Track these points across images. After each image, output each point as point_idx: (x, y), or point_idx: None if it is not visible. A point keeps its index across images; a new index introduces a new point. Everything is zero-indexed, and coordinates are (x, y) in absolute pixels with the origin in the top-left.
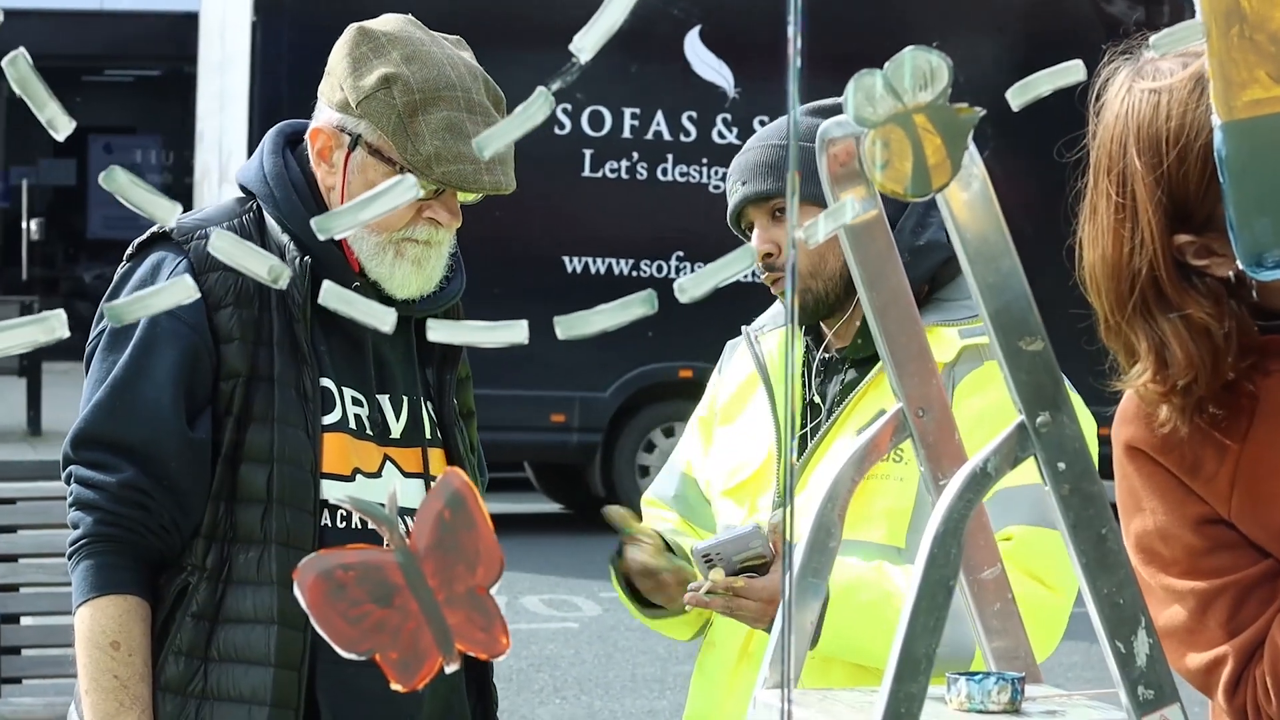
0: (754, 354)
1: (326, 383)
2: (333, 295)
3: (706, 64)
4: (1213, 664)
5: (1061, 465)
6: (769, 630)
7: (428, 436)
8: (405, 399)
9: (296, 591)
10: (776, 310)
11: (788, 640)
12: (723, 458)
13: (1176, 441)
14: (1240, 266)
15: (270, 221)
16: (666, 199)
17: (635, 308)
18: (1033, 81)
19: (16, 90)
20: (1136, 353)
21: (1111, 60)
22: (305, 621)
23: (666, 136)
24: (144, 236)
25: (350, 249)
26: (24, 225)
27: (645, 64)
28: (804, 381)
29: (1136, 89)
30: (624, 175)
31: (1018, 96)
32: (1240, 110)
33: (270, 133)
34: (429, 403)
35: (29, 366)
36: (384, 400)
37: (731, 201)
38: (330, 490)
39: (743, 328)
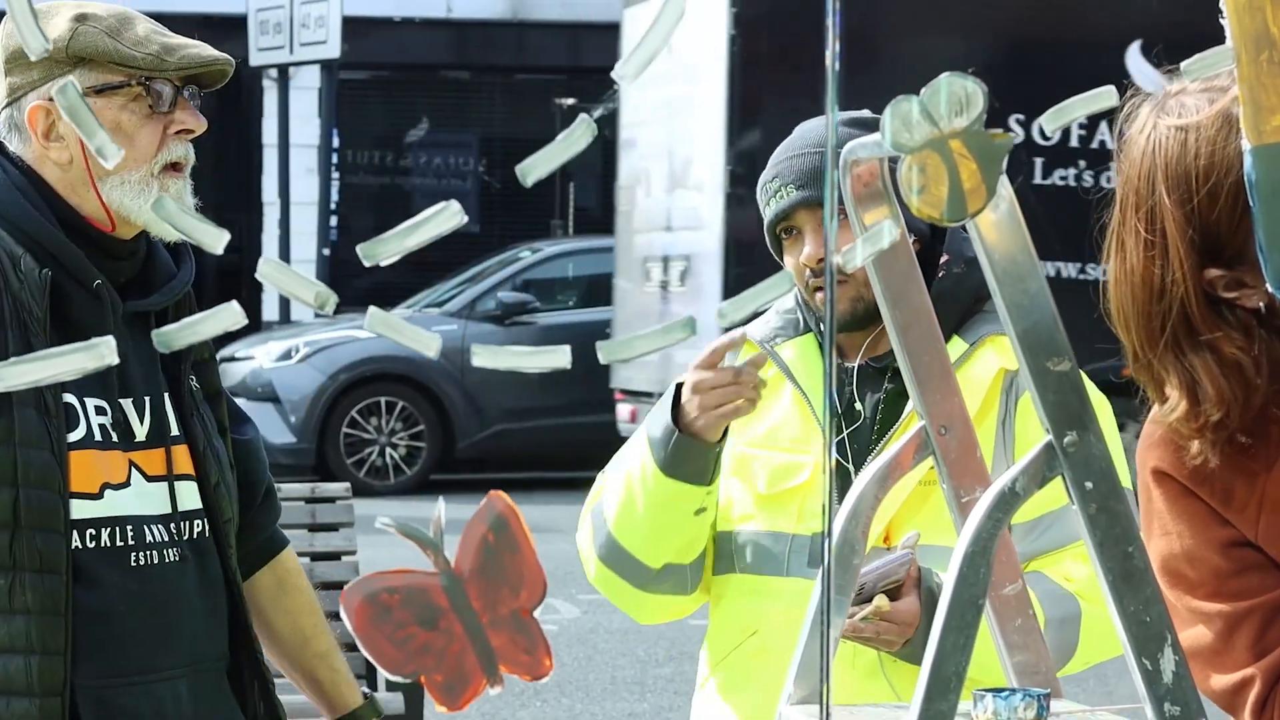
0: (776, 362)
1: (69, 398)
2: (379, 321)
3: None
4: (1240, 685)
5: (1089, 484)
6: (897, 654)
7: (174, 434)
8: (147, 399)
9: (343, 614)
10: (779, 322)
11: (826, 655)
12: (758, 463)
13: (1208, 473)
14: (1270, 290)
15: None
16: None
17: (676, 332)
18: (1067, 107)
19: (66, 119)
20: (1167, 388)
21: (1134, 95)
22: (65, 646)
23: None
24: None
25: (108, 209)
26: None
27: None
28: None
29: (1162, 125)
30: (1071, 183)
31: (1051, 121)
32: (1270, 134)
33: None
34: (169, 395)
35: None
36: (127, 404)
37: (778, 205)
38: (78, 509)
39: (749, 335)
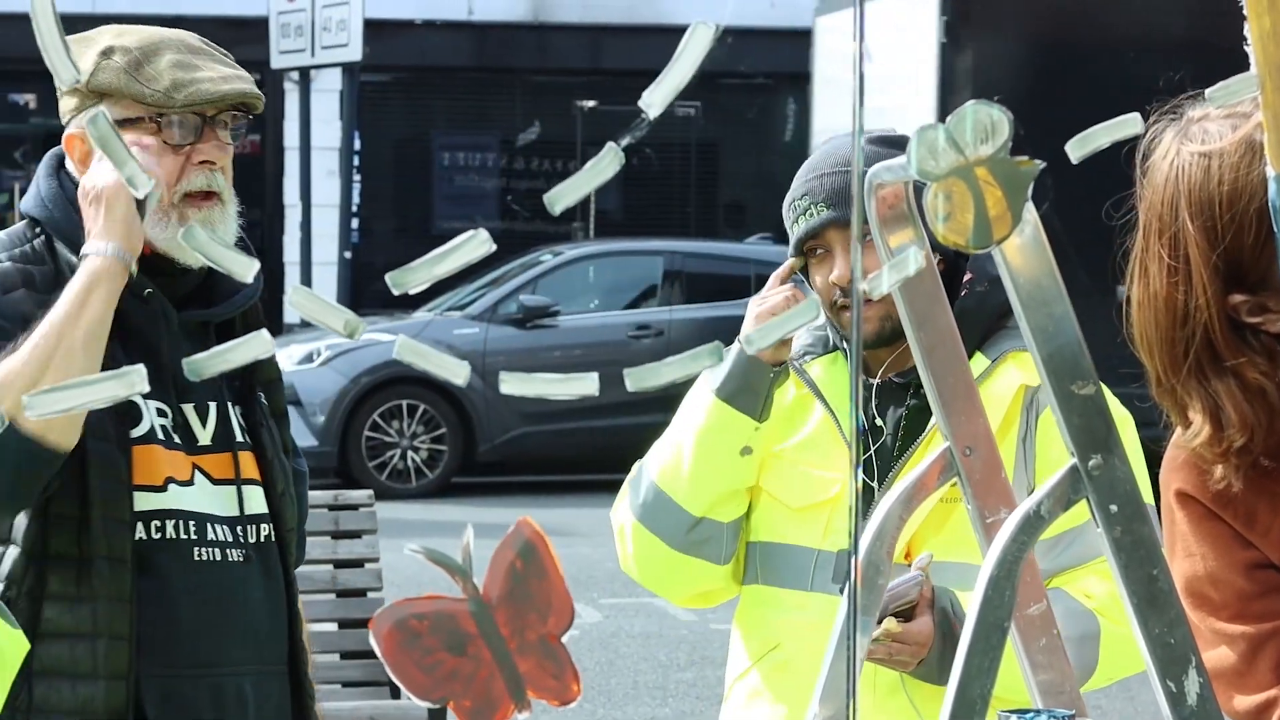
0: (805, 380)
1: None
2: (407, 349)
3: None
4: (1263, 706)
5: (1113, 508)
6: (913, 674)
7: (238, 440)
8: (211, 405)
9: (372, 641)
10: (808, 339)
11: (852, 676)
12: (788, 477)
13: (1231, 496)
14: None
15: (59, 245)
16: None
17: (703, 359)
18: (1091, 134)
19: (97, 149)
20: (1190, 413)
21: (1157, 120)
22: (130, 632)
23: None
24: None
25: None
26: None
27: None
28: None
29: (1185, 152)
30: None
31: (1077, 149)
32: None
33: (45, 157)
34: (236, 406)
35: None
36: (188, 409)
37: (807, 224)
38: (142, 501)
39: None
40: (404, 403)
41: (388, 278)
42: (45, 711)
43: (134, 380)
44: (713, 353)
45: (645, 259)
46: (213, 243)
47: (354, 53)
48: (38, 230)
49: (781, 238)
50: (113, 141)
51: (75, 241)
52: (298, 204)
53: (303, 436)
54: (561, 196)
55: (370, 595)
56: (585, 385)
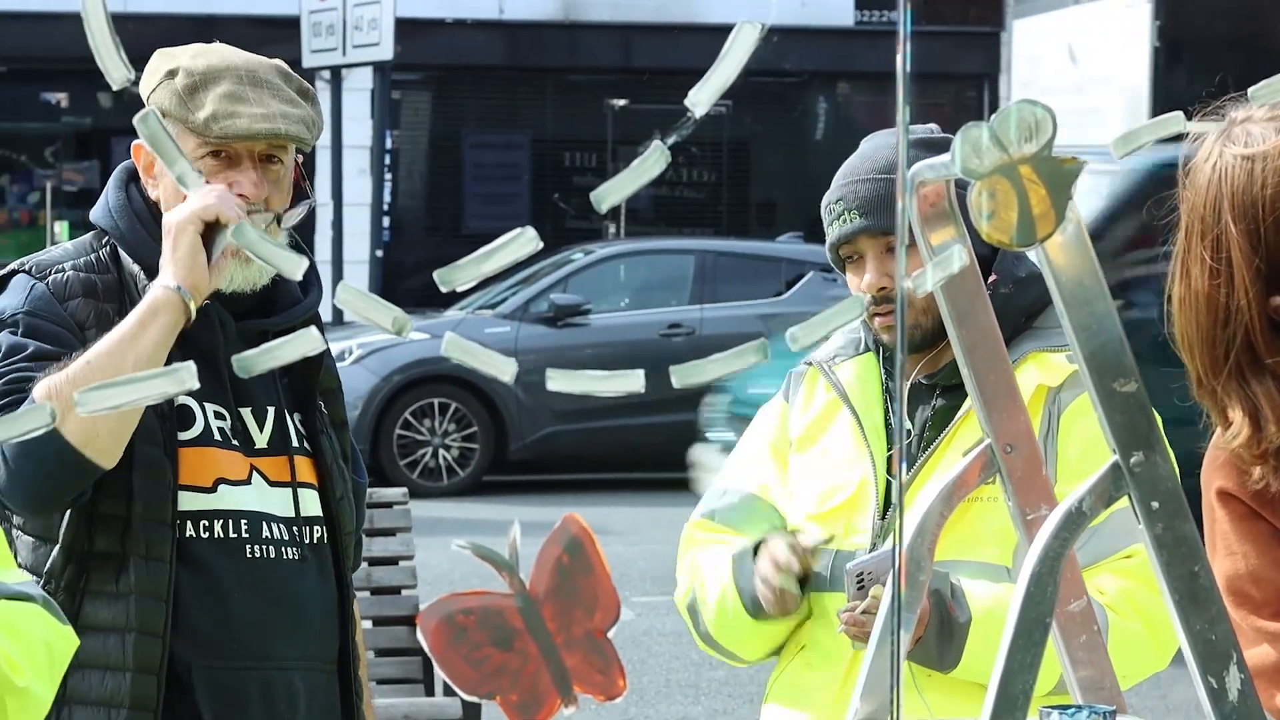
0: (832, 383)
1: (185, 400)
2: (455, 347)
3: None
4: None
5: (1155, 504)
6: (911, 657)
7: (295, 445)
8: (269, 410)
9: (419, 636)
10: (841, 341)
11: (896, 671)
12: (809, 483)
13: (1271, 496)
14: None
15: (123, 254)
16: None
17: (749, 355)
18: (1135, 132)
19: (147, 147)
20: (1230, 413)
21: (1200, 122)
22: (165, 629)
23: None
24: (3, 272)
25: None
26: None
27: None
28: (885, 407)
29: (1228, 154)
30: None
31: (1120, 147)
32: None
33: (117, 169)
34: (295, 414)
35: None
36: (246, 413)
37: (841, 229)
38: (190, 501)
39: (810, 358)
40: (435, 401)
41: (435, 275)
42: (75, 701)
43: (184, 377)
44: (757, 350)
45: (676, 258)
46: (262, 241)
47: (385, 52)
48: (105, 240)
49: (812, 236)
50: (162, 140)
51: (138, 253)
52: (329, 202)
53: None
54: (608, 194)
55: (404, 593)
56: (631, 382)
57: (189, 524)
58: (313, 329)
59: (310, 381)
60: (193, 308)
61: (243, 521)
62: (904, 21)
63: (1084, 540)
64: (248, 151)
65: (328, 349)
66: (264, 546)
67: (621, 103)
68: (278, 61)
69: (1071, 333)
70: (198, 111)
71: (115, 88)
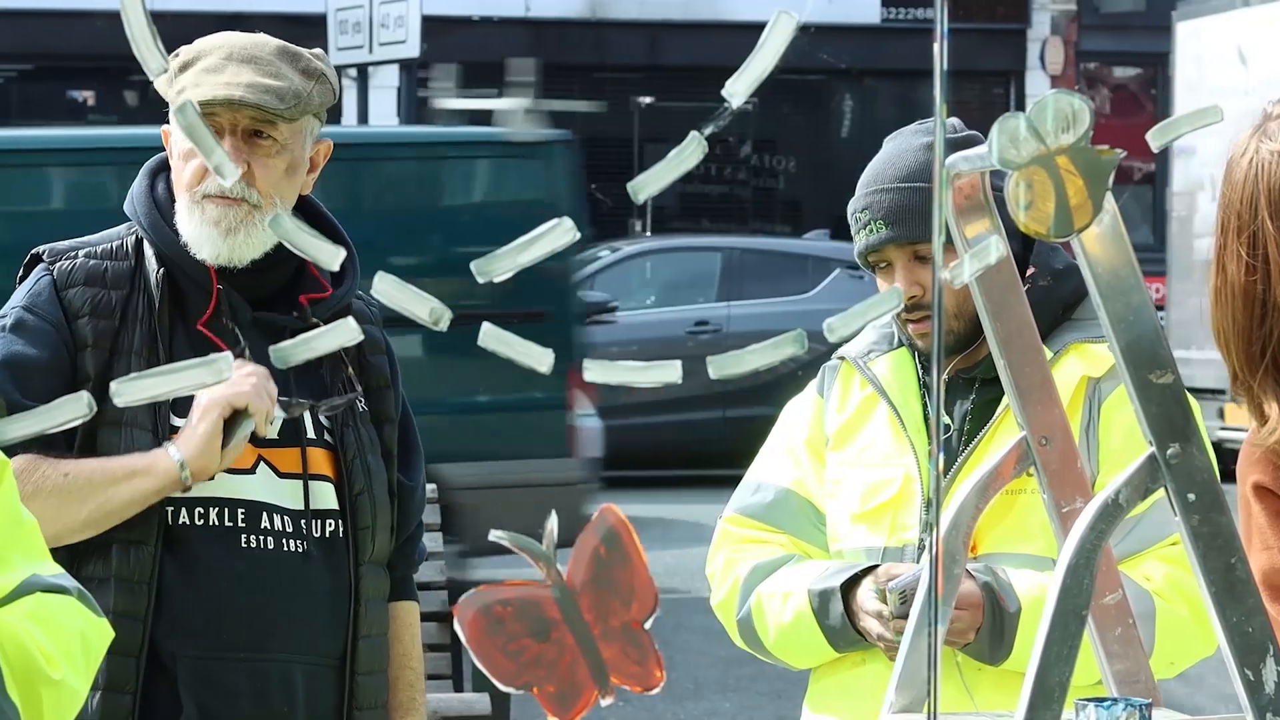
0: (869, 378)
1: None
2: (491, 337)
3: None
4: None
5: (1191, 496)
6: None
7: (311, 437)
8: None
9: (456, 627)
10: (874, 336)
11: (933, 664)
12: (852, 482)
13: None
14: None
15: (146, 241)
16: None
17: (786, 347)
18: (1173, 123)
19: (184, 136)
20: (1266, 409)
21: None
22: (146, 613)
23: None
24: (27, 259)
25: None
26: None
27: None
28: (922, 402)
29: (1264, 150)
30: None
31: (1158, 137)
32: None
33: (152, 159)
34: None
35: None
36: None
37: (867, 239)
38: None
39: (843, 353)
40: None
41: (473, 266)
42: None
43: (221, 368)
44: (795, 341)
45: (703, 255)
46: (299, 231)
47: (412, 49)
48: (132, 228)
49: (838, 234)
50: (199, 130)
51: (156, 238)
52: None
53: None
54: (645, 186)
55: (434, 590)
56: (668, 373)
57: (183, 510)
58: (350, 320)
59: (340, 372)
60: (190, 483)
61: (239, 510)
62: (941, 19)
63: (1129, 527)
64: (229, 124)
65: (388, 346)
66: (261, 537)
67: (648, 100)
68: (287, 44)
69: (1108, 324)
70: (174, 86)
71: (153, 78)
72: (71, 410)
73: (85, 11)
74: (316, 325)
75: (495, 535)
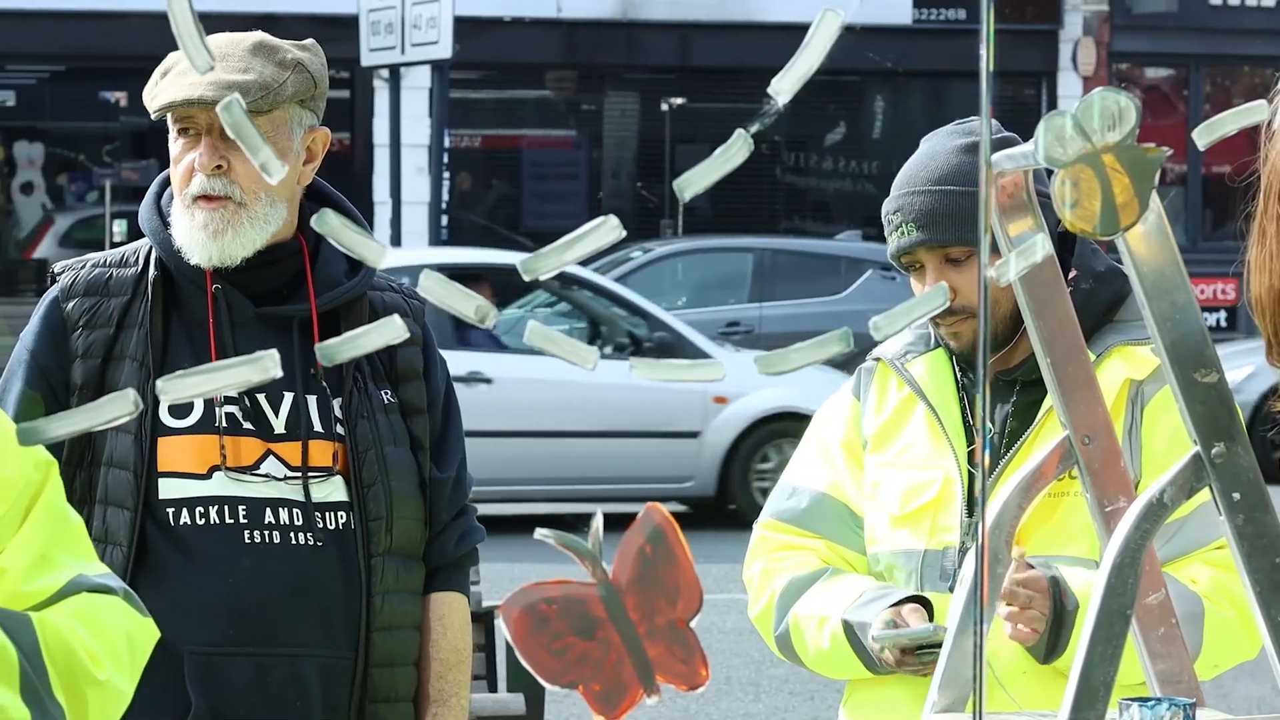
0: (906, 379)
1: None
2: (538, 335)
3: None
4: None
5: (1236, 496)
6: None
7: (319, 430)
8: (286, 395)
9: (501, 625)
10: (910, 337)
11: (979, 661)
12: (891, 484)
13: None
14: None
15: (156, 248)
16: None
17: (832, 345)
18: (1219, 121)
19: (230, 134)
20: None
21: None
22: None
23: None
24: (50, 273)
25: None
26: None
27: None
28: (961, 403)
29: None
30: None
31: (1204, 136)
32: None
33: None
34: (335, 399)
35: None
36: (260, 398)
37: (899, 241)
38: (170, 489)
39: (879, 355)
40: None
41: (518, 264)
42: None
43: (267, 365)
44: (840, 339)
45: (735, 256)
46: (345, 229)
47: (444, 50)
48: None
49: (869, 235)
50: (246, 128)
51: (154, 242)
52: (388, 201)
53: None
54: (690, 183)
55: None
56: (712, 370)
57: (184, 511)
58: (395, 317)
59: (354, 363)
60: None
61: (240, 507)
62: (986, 18)
63: (1174, 531)
64: (206, 124)
65: (426, 338)
66: (267, 531)
67: (679, 101)
68: (268, 38)
69: (1153, 323)
70: (149, 97)
71: (200, 74)
72: (117, 408)
73: (118, 12)
74: (335, 316)
75: (540, 534)
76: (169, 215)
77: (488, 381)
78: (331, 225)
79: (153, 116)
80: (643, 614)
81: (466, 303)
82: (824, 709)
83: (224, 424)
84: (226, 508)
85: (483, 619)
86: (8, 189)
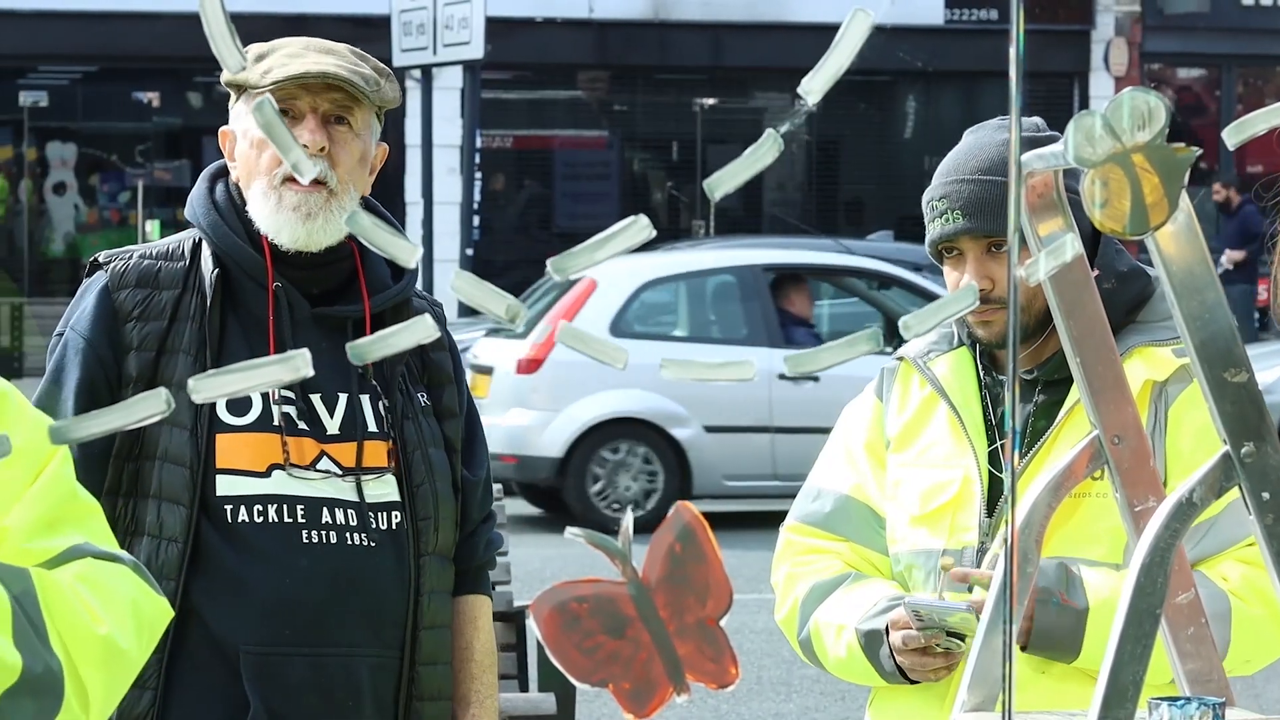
0: (929, 378)
1: None
2: (569, 334)
3: None
4: None
5: (1265, 495)
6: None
7: (372, 430)
8: (341, 396)
9: (531, 624)
10: (933, 336)
11: (1008, 663)
12: (911, 484)
13: None
14: None
15: (205, 244)
16: None
17: (862, 344)
18: (1249, 121)
19: (262, 134)
20: None
21: None
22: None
23: None
24: (89, 264)
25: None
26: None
27: None
28: (983, 402)
29: None
30: None
31: (1234, 135)
32: None
33: (209, 166)
34: (380, 400)
35: None
36: (315, 399)
37: (943, 228)
38: (228, 486)
39: (901, 353)
40: None
41: (549, 263)
42: None
43: (298, 364)
44: (871, 338)
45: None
46: (376, 228)
47: (475, 51)
48: (193, 231)
49: (900, 235)
50: (277, 128)
51: (213, 237)
52: (419, 201)
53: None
54: (721, 183)
55: (499, 589)
56: (742, 370)
57: (242, 508)
58: (427, 317)
59: (397, 364)
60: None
61: (299, 506)
62: (1017, 19)
63: (1204, 531)
64: (310, 108)
65: (451, 343)
66: (324, 531)
67: (710, 101)
68: (349, 48)
69: (1182, 322)
70: (255, 70)
71: (230, 74)
72: (149, 407)
73: (150, 13)
74: (383, 319)
75: (571, 532)
76: (223, 208)
77: (816, 380)
78: (363, 225)
79: (262, 89)
80: (672, 612)
81: (498, 302)
82: (854, 709)
83: (292, 424)
84: (285, 506)
85: (513, 619)
86: (40, 189)
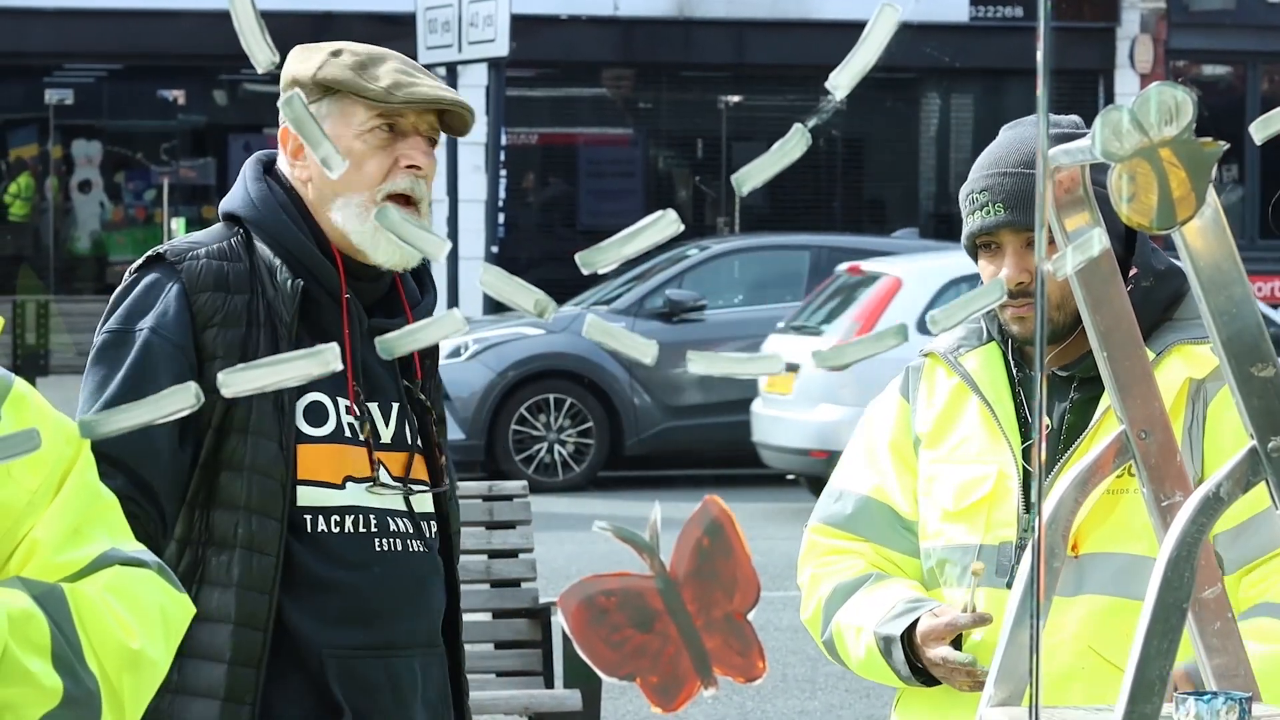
0: (960, 373)
1: (319, 396)
2: (596, 329)
3: None
4: None
5: None
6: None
7: (410, 442)
8: (394, 406)
9: (560, 618)
10: (962, 332)
11: (1035, 660)
12: (945, 480)
13: None
14: None
15: (259, 244)
16: None
17: (888, 339)
18: (1274, 116)
19: (292, 129)
20: None
21: None
22: (265, 622)
23: None
24: (140, 259)
25: (335, 230)
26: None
27: None
28: (1015, 398)
29: None
30: None
31: (1260, 131)
32: None
33: (248, 162)
34: (413, 409)
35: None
36: (373, 407)
37: (983, 220)
38: (308, 497)
39: (930, 350)
40: (551, 396)
41: (577, 257)
42: (179, 691)
43: (328, 359)
44: (897, 333)
45: (791, 253)
46: (405, 223)
47: (500, 48)
48: (236, 229)
49: (925, 232)
50: (307, 123)
51: (281, 241)
52: (444, 199)
53: (450, 430)
54: (749, 177)
55: (524, 585)
56: (770, 364)
57: (320, 519)
58: (455, 310)
59: (428, 378)
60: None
61: (370, 516)
62: (1043, 14)
63: (1254, 530)
64: (413, 127)
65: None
66: (392, 540)
67: (735, 99)
68: None
69: (1209, 317)
70: (375, 82)
71: (260, 71)
72: (179, 401)
73: (176, 11)
74: None
75: (599, 526)
76: (291, 213)
77: None
78: (393, 220)
79: (396, 101)
80: (700, 606)
81: (526, 296)
82: (879, 707)
83: (354, 435)
84: (360, 517)
85: (539, 615)
86: (65, 187)
